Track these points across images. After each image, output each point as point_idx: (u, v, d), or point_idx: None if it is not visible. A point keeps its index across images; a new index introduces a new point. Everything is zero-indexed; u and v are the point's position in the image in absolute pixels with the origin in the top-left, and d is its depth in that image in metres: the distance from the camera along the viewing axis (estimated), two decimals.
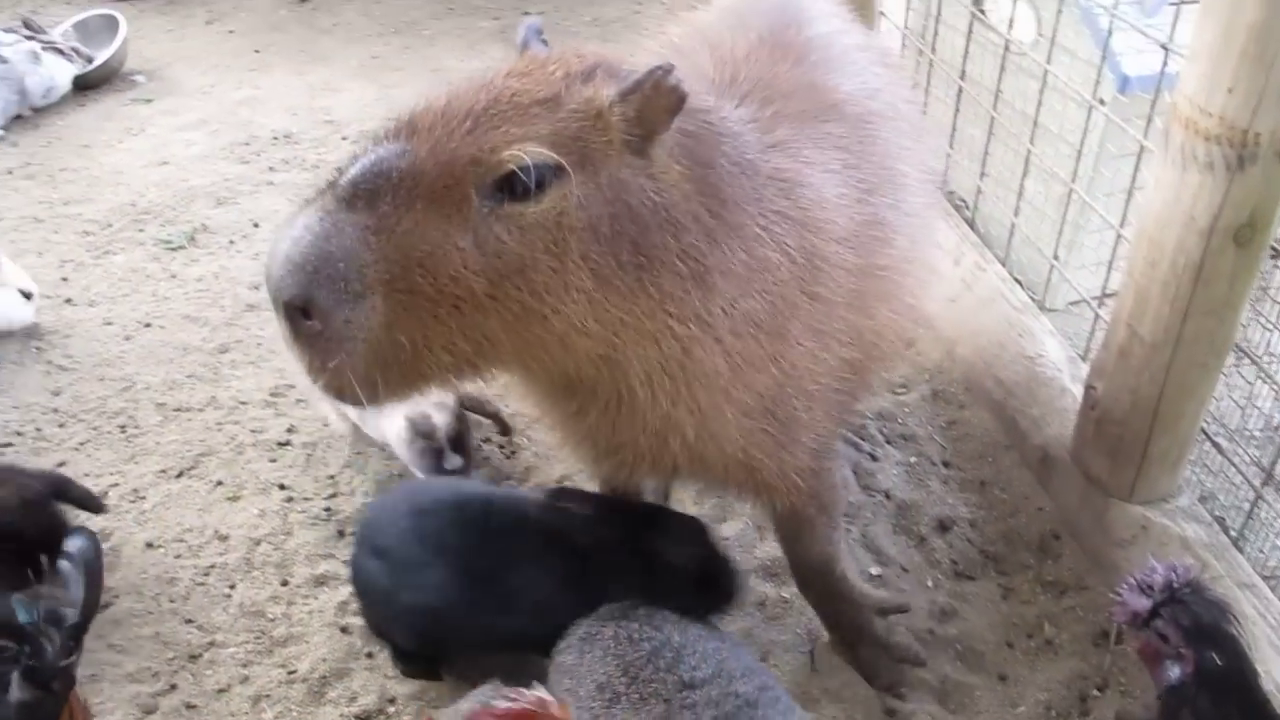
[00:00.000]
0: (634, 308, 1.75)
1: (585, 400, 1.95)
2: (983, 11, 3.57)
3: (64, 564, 1.94)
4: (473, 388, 2.88)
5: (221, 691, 2.56)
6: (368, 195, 1.61)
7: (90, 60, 5.91)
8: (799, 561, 2.54)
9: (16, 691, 1.76)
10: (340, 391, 1.65)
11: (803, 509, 2.32)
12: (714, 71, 2.26)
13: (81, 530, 1.98)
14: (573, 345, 1.75)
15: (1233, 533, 2.62)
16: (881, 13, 4.31)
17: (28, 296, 3.80)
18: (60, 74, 5.73)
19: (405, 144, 1.64)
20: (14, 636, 1.83)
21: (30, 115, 5.68)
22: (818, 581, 2.55)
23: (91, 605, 1.91)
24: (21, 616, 1.82)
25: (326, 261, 1.56)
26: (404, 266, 1.60)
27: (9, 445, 3.31)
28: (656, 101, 1.68)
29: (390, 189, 1.61)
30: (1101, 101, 3.01)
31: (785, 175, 1.99)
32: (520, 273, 1.65)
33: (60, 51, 5.77)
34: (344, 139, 5.29)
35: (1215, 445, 2.69)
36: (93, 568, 1.94)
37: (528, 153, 1.61)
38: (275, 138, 5.34)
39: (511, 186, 1.63)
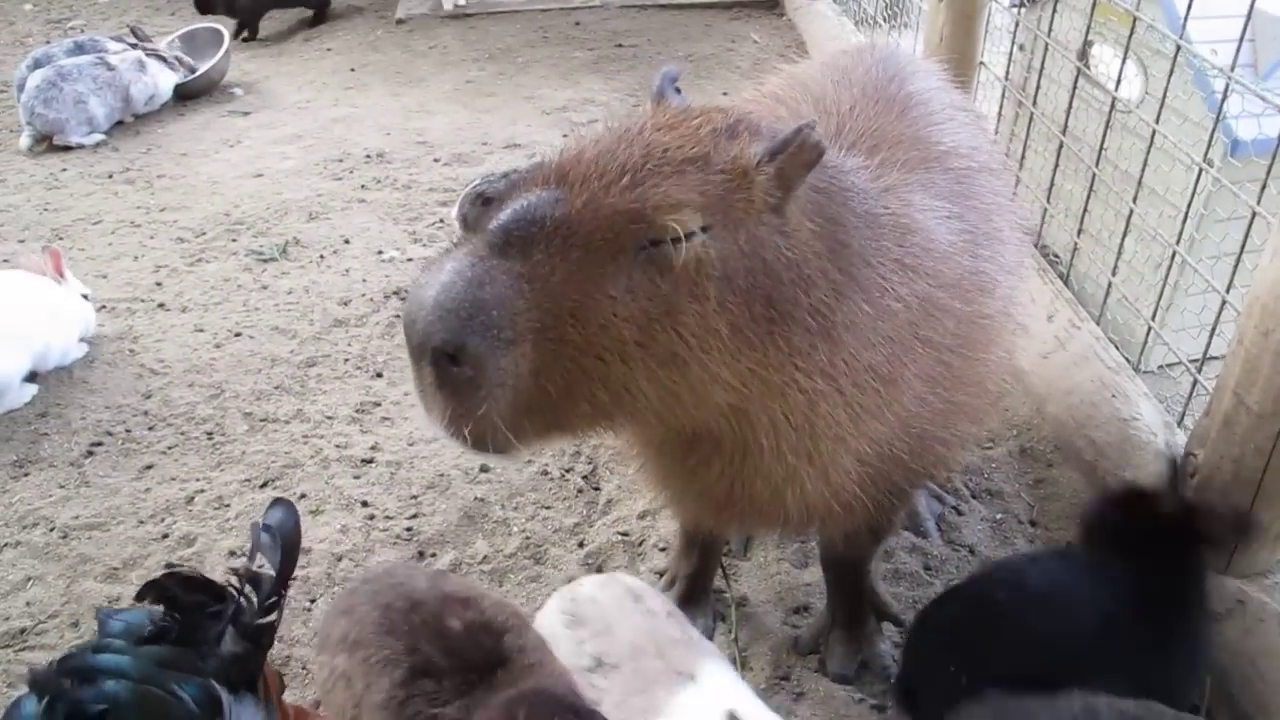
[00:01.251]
0: (764, 360, 1.75)
1: (708, 454, 1.94)
2: (1086, 65, 3.54)
3: (263, 535, 2.01)
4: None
5: None
6: (521, 242, 1.60)
7: (193, 70, 6.07)
8: (833, 555, 2.59)
9: (229, 644, 1.85)
10: (481, 440, 1.64)
11: (861, 533, 2.37)
12: (820, 123, 2.26)
13: (280, 502, 2.05)
14: (706, 396, 1.75)
15: None
16: (982, 63, 4.28)
17: (86, 299, 3.88)
18: (164, 82, 5.90)
19: (558, 192, 1.64)
20: (214, 595, 1.94)
21: (131, 122, 5.85)
22: (843, 571, 2.62)
23: (287, 571, 1.99)
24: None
25: (480, 308, 1.54)
26: (556, 315, 1.60)
27: (99, 444, 3.38)
28: (798, 159, 1.69)
29: (545, 237, 1.60)
30: (1211, 163, 2.96)
31: (899, 221, 2.00)
32: (667, 315, 1.66)
33: (164, 60, 5.93)
34: (436, 160, 5.37)
35: None
36: (289, 538, 2.01)
37: (686, 219, 1.62)
38: (368, 156, 5.43)
39: (661, 244, 1.64)
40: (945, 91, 2.61)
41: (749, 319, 1.72)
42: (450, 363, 1.56)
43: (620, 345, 1.64)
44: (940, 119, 2.44)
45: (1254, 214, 2.68)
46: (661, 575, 2.83)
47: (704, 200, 1.65)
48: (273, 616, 1.98)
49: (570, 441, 1.94)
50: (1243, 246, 2.74)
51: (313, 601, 2.82)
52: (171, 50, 6.13)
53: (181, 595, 1.91)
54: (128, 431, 3.45)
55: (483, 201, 3.92)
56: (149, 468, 3.29)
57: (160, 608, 1.92)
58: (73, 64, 5.57)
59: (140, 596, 1.92)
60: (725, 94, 6.24)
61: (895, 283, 1.92)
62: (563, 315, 1.61)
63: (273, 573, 2.01)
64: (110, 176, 5.24)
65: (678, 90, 1.93)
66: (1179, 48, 2.98)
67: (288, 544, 2.01)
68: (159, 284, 4.28)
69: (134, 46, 6.02)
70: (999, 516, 3.10)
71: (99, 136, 5.61)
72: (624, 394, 1.70)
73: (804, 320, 1.77)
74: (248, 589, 1.98)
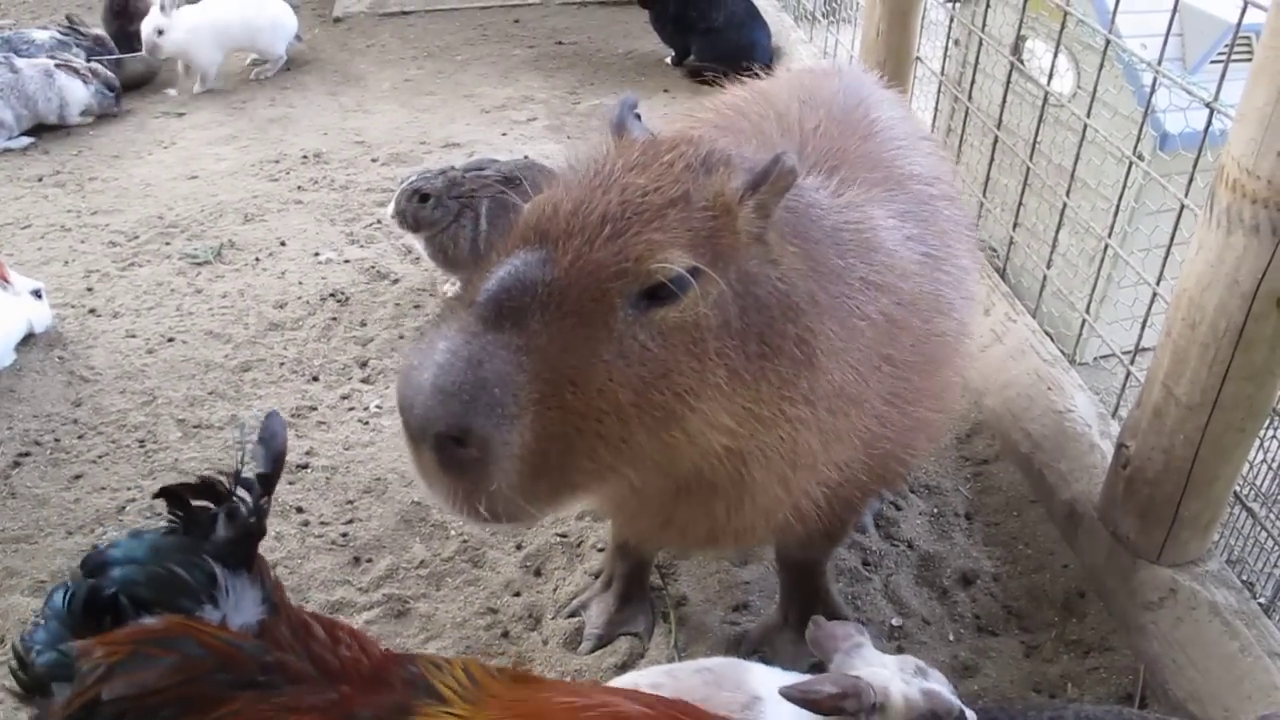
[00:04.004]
0: (758, 396, 1.72)
1: (704, 494, 1.89)
2: (1021, 61, 3.56)
3: (257, 445, 2.00)
4: None
5: None
6: (513, 314, 1.56)
7: (111, 88, 5.85)
8: (789, 556, 2.58)
9: (223, 531, 1.84)
10: (495, 514, 1.60)
11: (816, 538, 2.35)
12: (781, 140, 2.26)
13: (273, 414, 2.05)
14: (703, 443, 1.72)
15: (1262, 599, 2.58)
16: (918, 58, 4.31)
17: (38, 295, 3.83)
18: (72, 95, 5.64)
19: (542, 253, 1.60)
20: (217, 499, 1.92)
21: (61, 123, 5.70)
22: (800, 572, 2.62)
23: (275, 474, 1.98)
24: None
25: (481, 388, 1.51)
26: (555, 384, 1.56)
27: (27, 454, 3.30)
28: (777, 187, 1.68)
29: (538, 306, 1.56)
30: (1141, 157, 2.99)
31: (862, 238, 1.99)
32: (664, 377, 1.62)
33: (76, 72, 5.72)
34: (373, 160, 5.31)
35: (1248, 509, 2.65)
36: (277, 446, 2.01)
37: (674, 261, 1.59)
38: (305, 156, 5.36)
39: (654, 293, 1.60)
40: (909, 121, 2.63)
41: (744, 360, 1.69)
42: (454, 445, 1.53)
43: (618, 407, 1.61)
44: (904, 145, 2.45)
45: (1182, 207, 2.71)
46: (598, 577, 2.81)
47: (691, 239, 1.62)
48: (264, 505, 1.99)
49: (584, 499, 1.88)
50: (1171, 239, 2.77)
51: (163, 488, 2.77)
52: (91, 59, 5.96)
53: (186, 498, 1.92)
54: (56, 441, 3.37)
55: (419, 198, 3.87)
56: (78, 477, 3.22)
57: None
58: None
59: (156, 496, 1.94)
60: (666, 90, 6.24)
61: (862, 301, 1.91)
62: (563, 384, 1.56)
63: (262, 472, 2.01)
64: (40, 179, 5.13)
65: (638, 117, 1.91)
66: (1108, 42, 3.01)
67: (275, 452, 2.02)
68: (89, 289, 4.18)
69: (64, 34, 5.92)
70: (936, 511, 3.11)
71: (25, 140, 5.47)
72: (625, 450, 1.66)
73: (791, 351, 1.75)
74: (239, 491, 1.98)
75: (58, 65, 5.62)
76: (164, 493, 2.00)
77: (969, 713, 1.81)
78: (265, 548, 2.89)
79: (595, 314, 1.58)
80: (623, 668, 2.61)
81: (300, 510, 3.10)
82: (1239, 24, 2.51)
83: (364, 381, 3.68)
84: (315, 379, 3.69)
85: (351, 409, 3.54)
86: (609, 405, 1.60)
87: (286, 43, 6.43)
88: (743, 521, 1.95)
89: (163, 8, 5.85)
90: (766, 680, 1.94)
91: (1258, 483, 2.77)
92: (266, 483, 2.03)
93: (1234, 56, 2.55)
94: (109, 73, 5.84)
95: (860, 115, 2.43)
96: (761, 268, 1.71)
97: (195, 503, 1.91)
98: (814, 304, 1.78)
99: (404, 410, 1.56)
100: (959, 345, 2.33)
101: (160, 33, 5.89)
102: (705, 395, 1.66)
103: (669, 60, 6.55)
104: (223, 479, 1.97)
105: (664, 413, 1.64)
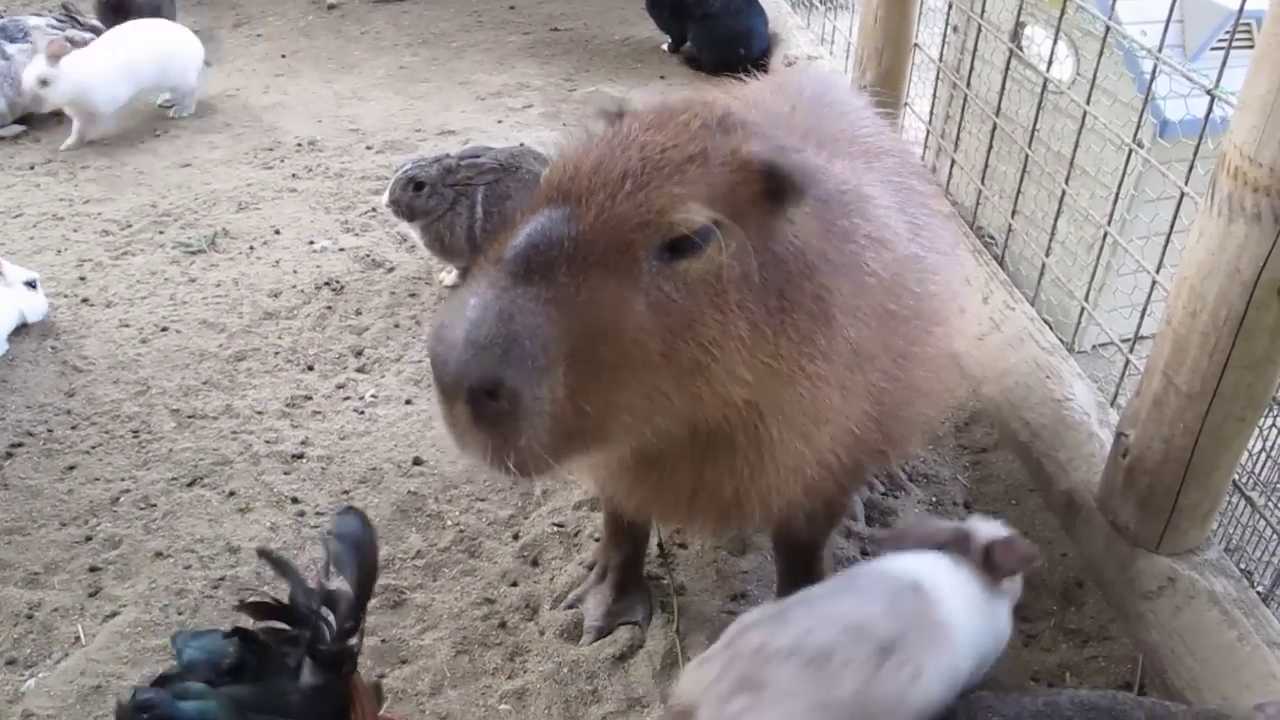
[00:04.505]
0: (777, 351, 1.76)
1: (726, 455, 1.92)
2: (1020, 48, 3.54)
3: (336, 545, 1.90)
4: None
5: None
6: (542, 268, 1.58)
7: None
8: (790, 539, 2.58)
9: (307, 676, 1.75)
10: (524, 468, 1.62)
11: (819, 516, 2.37)
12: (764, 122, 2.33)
13: (350, 510, 1.93)
14: (725, 394, 1.75)
15: (1260, 588, 2.57)
16: (916, 45, 4.28)
17: (33, 285, 3.81)
18: None
19: (566, 209, 1.63)
20: (291, 620, 1.81)
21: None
22: (799, 556, 2.62)
23: (366, 588, 1.87)
24: (300, 598, 1.81)
25: (513, 341, 1.52)
26: (586, 336, 1.58)
27: (20, 445, 3.28)
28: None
29: (565, 259, 1.59)
30: (1140, 144, 2.98)
31: (860, 201, 2.04)
32: (689, 328, 1.66)
33: (71, 43, 5.69)
34: (368, 148, 5.28)
35: (1247, 498, 2.64)
36: (364, 546, 1.89)
37: (694, 214, 1.63)
38: (299, 144, 5.33)
39: (677, 246, 1.64)
40: (870, 107, 2.73)
41: (765, 314, 1.73)
42: (487, 399, 1.54)
43: (648, 357, 1.64)
44: (873, 127, 2.56)
45: (1182, 194, 2.70)
46: (591, 568, 2.80)
47: (710, 194, 1.66)
48: (353, 640, 1.85)
49: (611, 453, 1.87)
50: (1171, 226, 2.76)
51: (241, 603, 2.75)
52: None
53: (258, 622, 1.81)
54: (49, 431, 3.35)
55: (414, 186, 3.85)
56: (72, 468, 3.20)
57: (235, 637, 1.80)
58: None
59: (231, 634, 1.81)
60: (663, 77, 6.21)
61: (869, 258, 1.96)
62: (593, 336, 1.59)
63: (348, 588, 1.87)
64: (32, 168, 5.09)
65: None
66: (1108, 29, 2.99)
67: (365, 557, 1.90)
68: (82, 278, 4.16)
69: (60, 21, 5.84)
70: (935, 500, 3.10)
71: (16, 128, 5.43)
72: (656, 401, 1.69)
73: (809, 307, 1.79)
74: (324, 610, 1.84)
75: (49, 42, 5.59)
76: (244, 616, 1.84)
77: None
78: (260, 539, 2.92)
79: (621, 266, 1.61)
80: (621, 658, 2.61)
81: (295, 501, 3.08)
82: (1240, 10, 2.50)
83: (359, 371, 3.66)
84: (310, 368, 3.67)
85: (347, 398, 3.52)
86: (637, 355, 1.64)
87: (198, 70, 5.66)
88: (766, 482, 1.97)
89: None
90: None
91: (1257, 471, 2.76)
92: (357, 606, 1.85)
93: (1235, 43, 2.52)
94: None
95: (830, 99, 2.55)
96: (778, 224, 1.76)
97: (269, 625, 1.78)
98: (827, 261, 1.83)
99: (436, 366, 1.57)
100: (947, 310, 2.38)
101: (45, 83, 5.02)
102: (728, 347, 1.70)
103: (665, 47, 6.52)
104: (306, 597, 1.81)
105: (689, 363, 1.68)
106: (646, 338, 1.63)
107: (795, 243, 1.78)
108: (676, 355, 1.66)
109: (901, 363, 2.12)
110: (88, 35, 5.71)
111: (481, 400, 1.54)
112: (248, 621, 1.83)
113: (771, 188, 1.72)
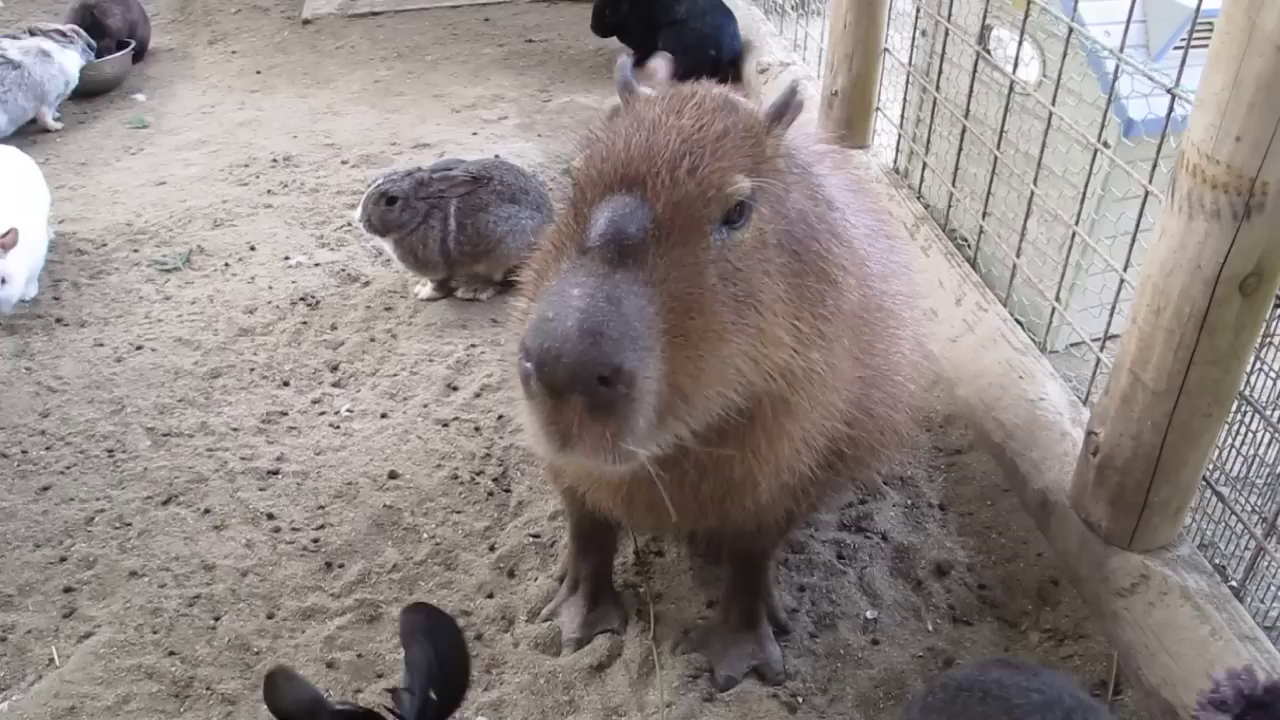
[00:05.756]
0: (798, 312, 1.84)
1: (740, 430, 1.90)
2: (988, 51, 3.56)
3: (416, 653, 1.84)
4: None
5: None
6: (634, 251, 1.62)
7: (91, 45, 5.86)
8: (741, 546, 2.58)
9: None
10: (631, 456, 1.62)
11: (770, 530, 2.42)
12: None
13: (425, 610, 1.88)
14: (775, 358, 1.81)
15: (1233, 583, 2.58)
16: (886, 49, 4.30)
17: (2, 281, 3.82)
18: (70, 64, 5.71)
19: (637, 194, 1.68)
20: None
21: (29, 129, 5.65)
22: (748, 566, 2.63)
23: (454, 703, 1.84)
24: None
25: (625, 324, 1.55)
26: (678, 313, 1.63)
27: None
28: (793, 117, 1.87)
29: (652, 240, 1.64)
30: (1106, 144, 2.99)
31: (829, 174, 2.20)
32: (751, 295, 1.74)
33: (63, 35, 5.73)
34: (344, 162, 5.27)
35: (1217, 494, 2.65)
36: (452, 660, 1.83)
37: (741, 183, 1.72)
38: (275, 160, 5.32)
39: (729, 217, 1.73)
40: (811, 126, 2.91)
41: (792, 275, 1.83)
42: (602, 386, 1.53)
43: (724, 328, 1.70)
44: (818, 142, 2.61)
45: (1146, 193, 2.71)
46: (563, 580, 2.80)
47: (746, 166, 1.75)
48: None
49: (687, 433, 1.84)
50: (1137, 225, 2.77)
51: (217, 620, 2.74)
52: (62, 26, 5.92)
53: None
54: (24, 452, 3.34)
55: (386, 201, 3.86)
56: (46, 489, 3.18)
57: None
58: None
59: None
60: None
61: (851, 224, 2.10)
62: (683, 311, 1.64)
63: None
64: None
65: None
66: (1071, 29, 3.01)
67: (453, 669, 1.84)
68: (56, 298, 4.14)
69: (31, 34, 5.84)
70: (910, 502, 3.11)
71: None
72: (732, 372, 1.74)
73: (817, 266, 1.89)
74: None
75: (44, 35, 5.62)
76: None
77: None
78: (236, 556, 2.91)
79: (696, 241, 1.68)
80: (599, 668, 2.61)
81: (271, 516, 3.07)
82: (1198, 9, 2.51)
83: (335, 385, 3.66)
84: (286, 384, 3.66)
85: (323, 413, 3.52)
86: (716, 327, 1.69)
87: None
88: (777, 457, 1.99)
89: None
90: None
91: (1227, 467, 2.77)
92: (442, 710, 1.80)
93: (1194, 42, 2.54)
94: (84, 33, 5.84)
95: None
96: (790, 191, 1.88)
97: None
98: (824, 223, 1.96)
99: (548, 363, 1.52)
100: (910, 311, 2.51)
101: None
102: (776, 309, 1.79)
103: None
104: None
105: (754, 329, 1.75)
106: (721, 308, 1.69)
107: (800, 206, 1.89)
108: (743, 322, 1.73)
109: (879, 334, 2.21)
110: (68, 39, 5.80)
111: (596, 388, 1.54)
112: None
113: (778, 112, 1.84)
